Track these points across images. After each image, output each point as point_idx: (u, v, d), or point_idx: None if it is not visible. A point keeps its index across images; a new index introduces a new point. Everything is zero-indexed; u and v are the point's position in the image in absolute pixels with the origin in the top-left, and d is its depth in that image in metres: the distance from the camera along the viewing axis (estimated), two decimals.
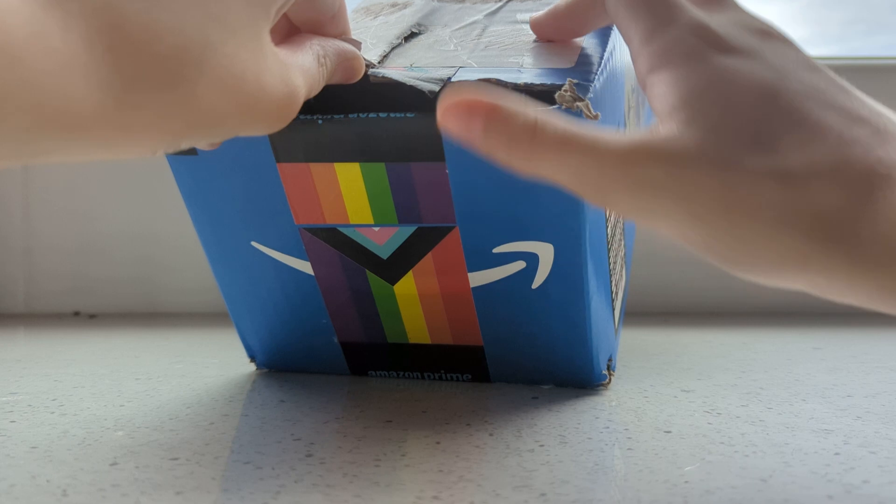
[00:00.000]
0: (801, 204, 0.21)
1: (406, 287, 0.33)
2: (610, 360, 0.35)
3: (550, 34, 0.32)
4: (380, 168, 0.30)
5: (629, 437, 0.28)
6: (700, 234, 0.22)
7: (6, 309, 0.72)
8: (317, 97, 0.31)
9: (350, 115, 0.29)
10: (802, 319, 0.61)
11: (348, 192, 0.31)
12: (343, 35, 0.28)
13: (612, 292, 0.34)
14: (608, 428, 0.29)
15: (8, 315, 0.71)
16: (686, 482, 0.23)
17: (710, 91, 0.22)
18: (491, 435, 0.28)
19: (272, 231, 0.33)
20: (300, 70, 0.24)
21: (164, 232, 0.72)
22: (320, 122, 0.30)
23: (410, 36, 0.33)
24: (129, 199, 0.71)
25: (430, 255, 0.32)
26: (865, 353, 0.45)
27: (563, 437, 0.28)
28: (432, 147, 0.29)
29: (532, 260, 0.31)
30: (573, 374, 0.34)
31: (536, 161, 0.23)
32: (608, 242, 0.33)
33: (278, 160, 0.31)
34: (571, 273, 0.30)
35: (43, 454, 0.26)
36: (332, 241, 0.33)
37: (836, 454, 0.26)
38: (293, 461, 0.25)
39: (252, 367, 0.41)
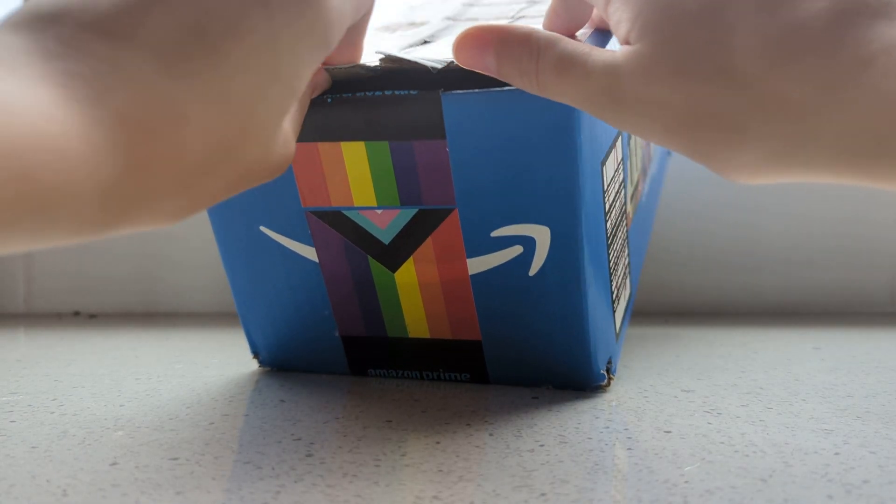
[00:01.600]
0: (765, 103, 0.21)
1: (406, 275, 0.33)
2: (610, 362, 0.34)
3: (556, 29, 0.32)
4: (384, 147, 0.31)
5: (629, 437, 0.28)
6: (681, 144, 0.22)
7: (6, 309, 0.72)
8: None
9: (357, 94, 0.30)
10: (802, 319, 0.61)
11: (353, 172, 0.31)
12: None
13: (612, 293, 0.34)
14: (608, 428, 0.29)
15: (8, 315, 0.71)
16: (686, 482, 0.23)
17: (658, 6, 0.22)
18: (491, 435, 0.28)
19: (280, 214, 0.34)
20: (295, 125, 0.25)
21: (164, 232, 0.72)
22: (329, 100, 0.30)
23: (422, 44, 0.34)
24: None
25: (430, 239, 0.32)
26: (865, 353, 0.45)
27: (563, 437, 0.28)
28: (433, 124, 0.30)
29: (529, 244, 0.31)
30: (571, 372, 0.33)
31: (544, 88, 0.24)
32: (608, 237, 0.33)
33: None
34: (568, 258, 0.31)
35: (43, 454, 0.26)
36: (337, 224, 0.33)
37: (836, 454, 0.26)
38: (293, 461, 0.25)
39: (252, 367, 0.41)
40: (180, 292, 0.71)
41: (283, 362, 0.39)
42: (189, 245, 0.71)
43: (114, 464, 0.25)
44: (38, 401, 0.34)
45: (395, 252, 0.33)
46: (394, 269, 0.33)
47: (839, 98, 0.20)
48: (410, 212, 0.32)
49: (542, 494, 0.22)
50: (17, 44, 0.17)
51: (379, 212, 0.32)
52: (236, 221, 0.36)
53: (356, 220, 0.33)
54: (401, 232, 0.32)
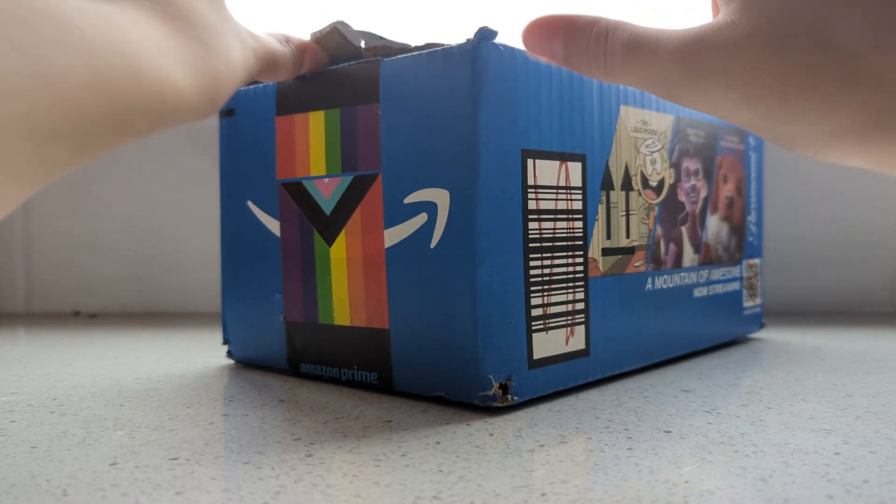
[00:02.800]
0: (864, 77, 0.21)
1: (339, 250, 0.35)
2: (510, 379, 0.31)
3: None
4: (336, 114, 0.35)
5: (629, 437, 0.28)
6: (756, 114, 0.23)
7: (6, 309, 0.72)
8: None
9: (330, 67, 0.36)
10: (802, 319, 0.61)
11: (314, 141, 0.36)
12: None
13: (530, 305, 0.32)
14: (608, 428, 0.29)
15: (8, 315, 0.71)
16: (686, 482, 0.23)
17: None
18: (491, 435, 0.28)
19: (261, 187, 0.39)
20: (266, 39, 0.31)
21: (163, 232, 0.72)
22: (308, 74, 0.36)
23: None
24: (128, 199, 0.71)
25: (359, 208, 0.34)
26: (865, 353, 0.45)
27: (563, 437, 0.28)
28: (372, 88, 0.34)
29: (432, 210, 0.32)
30: (461, 368, 0.31)
31: (611, 69, 0.25)
32: (529, 239, 0.32)
33: (277, 114, 0.38)
34: (463, 225, 0.31)
35: (43, 454, 0.26)
36: (297, 195, 0.37)
37: (836, 454, 0.26)
38: (293, 461, 0.25)
39: (252, 367, 0.41)
40: (180, 292, 0.71)
41: (243, 354, 0.42)
42: (189, 245, 0.71)
43: (114, 464, 0.25)
44: (38, 401, 0.34)
45: (333, 223, 0.35)
46: (330, 242, 0.36)
47: None
48: (348, 178, 0.35)
49: (543, 494, 0.22)
50: None
51: (326, 180, 0.36)
52: (233, 196, 0.41)
53: (310, 191, 0.36)
54: (339, 201, 0.35)
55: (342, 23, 0.35)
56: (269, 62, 0.31)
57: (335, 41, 0.36)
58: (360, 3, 0.64)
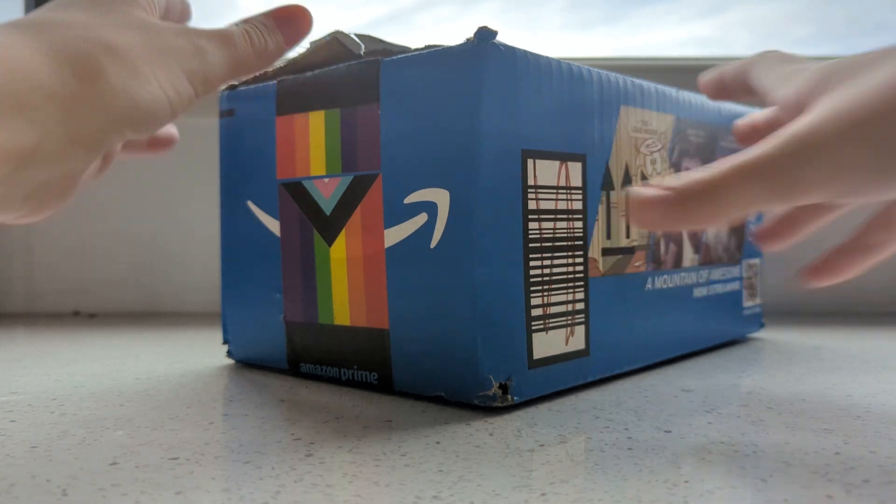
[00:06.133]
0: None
1: (339, 250, 0.36)
2: (510, 380, 0.31)
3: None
4: (336, 114, 0.35)
5: (629, 437, 0.28)
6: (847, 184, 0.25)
7: (6, 308, 0.72)
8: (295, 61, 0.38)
9: (330, 67, 0.36)
10: (802, 319, 0.61)
11: (314, 141, 0.36)
12: None
13: (529, 305, 0.32)
14: (608, 428, 0.29)
15: (8, 315, 0.71)
16: (686, 482, 0.23)
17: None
18: (491, 435, 0.28)
19: (261, 187, 0.39)
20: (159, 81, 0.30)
21: (164, 232, 0.72)
22: (309, 74, 0.37)
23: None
24: (128, 199, 0.72)
25: (359, 208, 0.35)
26: (865, 353, 0.45)
27: (563, 437, 0.28)
28: (372, 88, 0.34)
29: (432, 210, 0.32)
30: (460, 368, 0.32)
31: (720, 203, 0.25)
32: (529, 239, 0.32)
33: (277, 114, 0.38)
34: (463, 225, 0.31)
35: (43, 454, 0.26)
36: (297, 195, 0.37)
37: (836, 454, 0.26)
38: (293, 461, 0.25)
39: (252, 367, 0.41)
40: (180, 292, 0.71)
41: (243, 354, 0.42)
42: (189, 246, 0.71)
43: (114, 464, 0.25)
44: (38, 401, 0.34)
45: (333, 223, 0.36)
46: (330, 242, 0.36)
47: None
48: (348, 178, 0.35)
49: (543, 494, 0.22)
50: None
51: (326, 181, 0.36)
52: (233, 196, 0.41)
53: (310, 191, 0.37)
54: (339, 201, 0.35)
55: (341, 32, 0.36)
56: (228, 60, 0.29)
57: (334, 51, 0.36)
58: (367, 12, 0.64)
